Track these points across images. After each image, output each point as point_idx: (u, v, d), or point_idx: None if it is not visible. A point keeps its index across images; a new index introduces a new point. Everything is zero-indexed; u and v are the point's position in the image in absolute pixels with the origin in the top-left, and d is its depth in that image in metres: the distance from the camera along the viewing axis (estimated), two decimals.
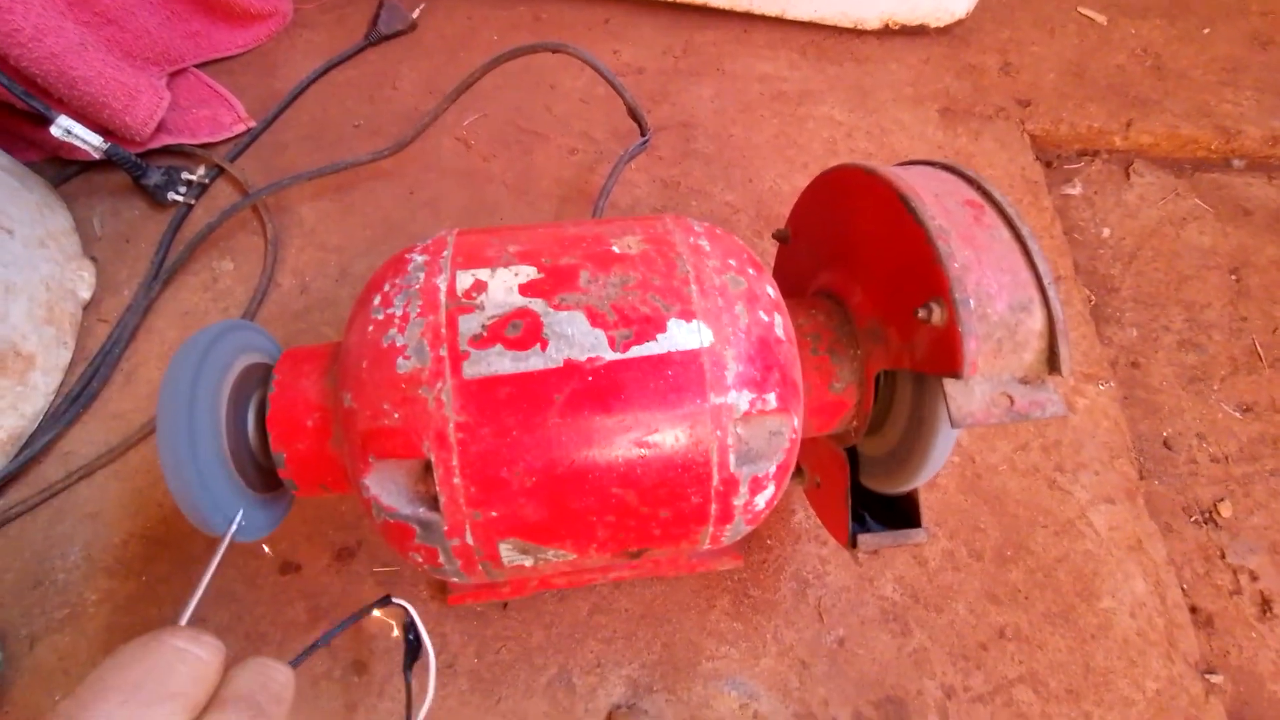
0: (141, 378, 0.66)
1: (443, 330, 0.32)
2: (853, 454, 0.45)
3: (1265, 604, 0.63)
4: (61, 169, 0.78)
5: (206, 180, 0.80)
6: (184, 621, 0.21)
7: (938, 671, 0.56)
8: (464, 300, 0.33)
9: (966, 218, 0.35)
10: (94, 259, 0.72)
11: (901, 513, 0.47)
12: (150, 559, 0.57)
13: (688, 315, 0.33)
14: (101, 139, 0.72)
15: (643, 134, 0.77)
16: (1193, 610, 0.62)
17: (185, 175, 0.78)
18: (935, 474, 0.41)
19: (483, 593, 0.55)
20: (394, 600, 0.50)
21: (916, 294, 0.34)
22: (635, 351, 0.32)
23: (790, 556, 0.60)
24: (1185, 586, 0.63)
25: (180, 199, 0.77)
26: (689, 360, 0.33)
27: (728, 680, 0.55)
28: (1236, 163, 0.96)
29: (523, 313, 0.33)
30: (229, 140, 0.84)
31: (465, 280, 0.34)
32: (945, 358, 0.33)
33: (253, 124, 0.85)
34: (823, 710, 0.54)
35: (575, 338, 0.32)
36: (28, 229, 0.64)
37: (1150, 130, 0.95)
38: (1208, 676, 0.59)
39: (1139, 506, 0.66)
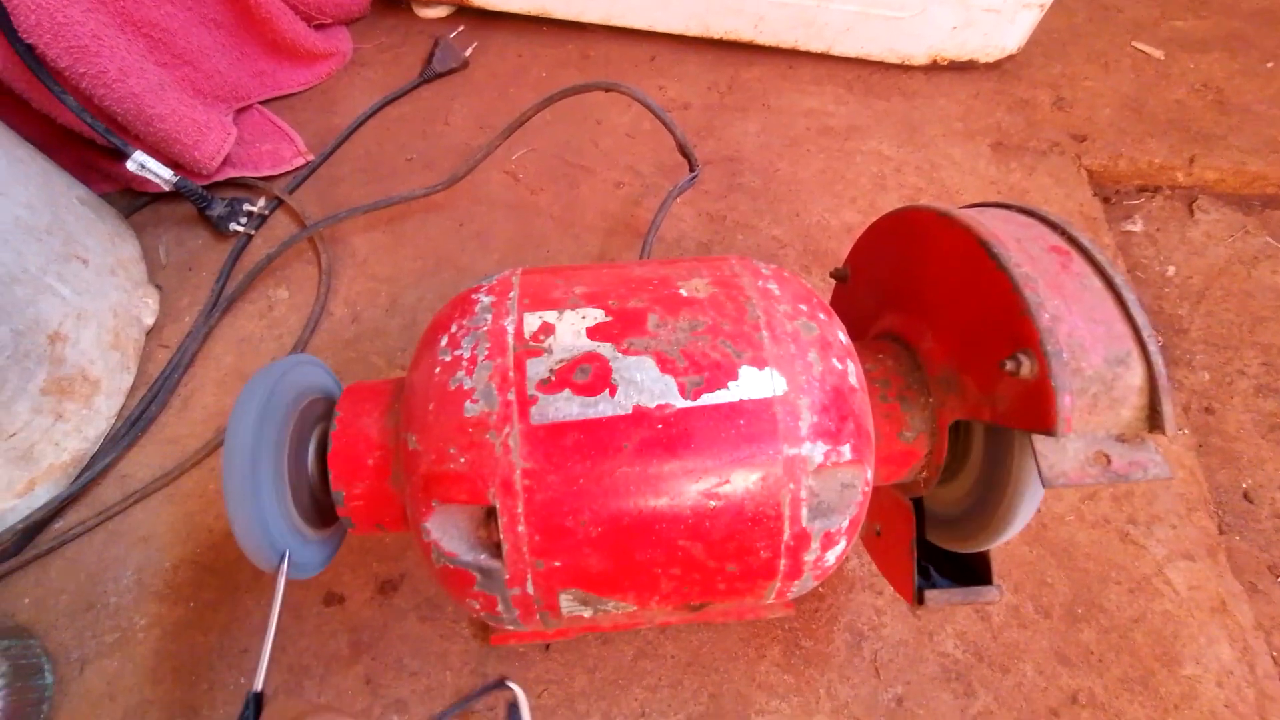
0: (197, 404, 0.68)
1: (511, 374, 0.32)
2: (919, 505, 0.43)
3: None
4: (132, 200, 0.81)
5: (266, 212, 0.82)
6: (259, 682, 0.20)
7: None
8: (532, 343, 0.33)
9: (1053, 265, 0.33)
10: (158, 286, 0.75)
11: (966, 564, 0.45)
12: (199, 585, 0.57)
13: (760, 362, 0.32)
14: (172, 172, 0.75)
15: (692, 169, 0.78)
16: None
17: (247, 206, 0.81)
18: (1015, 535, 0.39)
19: (526, 634, 0.53)
20: (507, 684, 0.50)
21: (1000, 344, 0.33)
22: (706, 399, 0.31)
23: (844, 606, 0.58)
24: (1275, 654, 0.59)
25: (241, 229, 0.80)
26: (761, 409, 0.31)
27: None
28: None
29: (591, 357, 0.32)
30: (289, 173, 0.86)
31: (533, 323, 0.33)
32: (1036, 413, 0.31)
33: (311, 158, 0.88)
34: None
35: (644, 384, 0.31)
36: (100, 258, 0.67)
37: (1215, 166, 0.91)
38: None
39: (1220, 564, 0.61)
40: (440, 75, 1.00)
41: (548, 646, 0.55)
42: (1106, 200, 0.92)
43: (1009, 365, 0.31)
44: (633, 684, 0.54)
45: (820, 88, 1.00)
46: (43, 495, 0.59)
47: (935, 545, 0.46)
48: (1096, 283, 0.33)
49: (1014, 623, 0.58)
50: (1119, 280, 0.32)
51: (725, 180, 0.89)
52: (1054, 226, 0.36)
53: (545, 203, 0.86)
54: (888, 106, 0.97)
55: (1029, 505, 0.36)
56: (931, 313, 0.40)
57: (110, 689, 0.53)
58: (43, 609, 0.56)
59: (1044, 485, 0.31)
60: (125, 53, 0.71)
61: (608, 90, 0.72)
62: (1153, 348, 0.31)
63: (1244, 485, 0.68)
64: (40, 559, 0.58)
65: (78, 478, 0.61)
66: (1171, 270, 0.85)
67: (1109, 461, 0.31)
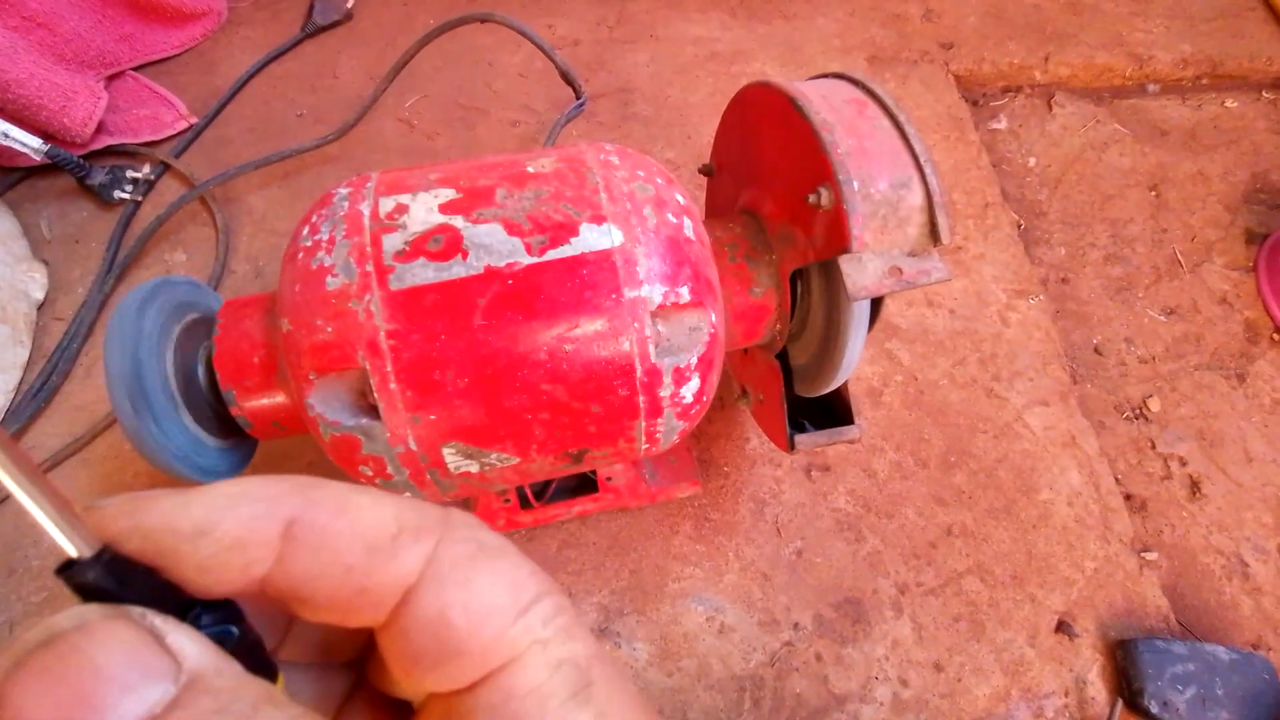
0: (102, 371, 0.67)
1: (368, 249, 0.34)
2: (784, 359, 0.48)
3: (1194, 486, 0.68)
4: (3, 177, 0.78)
5: (153, 178, 0.80)
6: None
7: (891, 571, 0.60)
8: (386, 221, 0.35)
9: (850, 112, 0.38)
10: (45, 261, 0.73)
11: (835, 416, 0.51)
12: None
13: (598, 219, 0.36)
14: (41, 141, 0.72)
15: (578, 97, 0.80)
16: (1127, 497, 0.66)
17: (130, 174, 0.79)
18: (856, 366, 0.44)
19: None
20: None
21: (810, 186, 0.37)
22: (551, 255, 0.35)
23: (747, 480, 0.63)
24: (1119, 476, 0.67)
25: (127, 197, 0.78)
26: (601, 259, 0.35)
27: (694, 597, 0.58)
28: (1151, 87, 1.00)
29: (444, 229, 0.35)
30: (173, 138, 0.84)
31: (388, 204, 0.36)
32: (837, 238, 0.36)
33: (195, 121, 0.86)
34: (785, 616, 0.57)
35: (494, 246, 0.35)
36: None
37: (1068, 62, 0.99)
38: (1143, 554, 0.63)
39: (1072, 407, 0.70)
40: (323, 29, 0.98)
41: None
42: (974, 103, 0.98)
43: (812, 199, 0.36)
44: (558, 570, 0.59)
45: (705, 15, 1.02)
46: None
47: (813, 409, 0.51)
48: (886, 123, 0.37)
49: (897, 476, 0.64)
50: (903, 119, 0.37)
51: (619, 111, 0.91)
52: (855, 83, 0.40)
53: (442, 146, 0.87)
54: (769, 30, 1.01)
55: (858, 335, 0.41)
56: (766, 177, 0.44)
57: None
58: None
59: (850, 299, 0.35)
60: None
61: (484, 21, 0.73)
62: (929, 170, 0.36)
63: (1094, 340, 0.77)
64: None
65: None
66: (1033, 161, 0.93)
67: (901, 273, 0.36)
